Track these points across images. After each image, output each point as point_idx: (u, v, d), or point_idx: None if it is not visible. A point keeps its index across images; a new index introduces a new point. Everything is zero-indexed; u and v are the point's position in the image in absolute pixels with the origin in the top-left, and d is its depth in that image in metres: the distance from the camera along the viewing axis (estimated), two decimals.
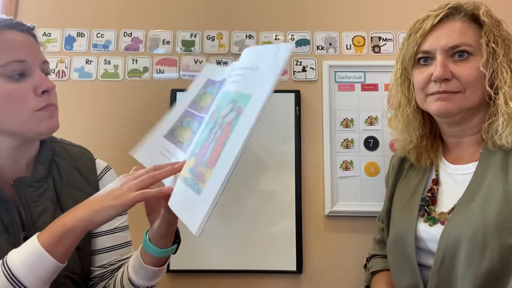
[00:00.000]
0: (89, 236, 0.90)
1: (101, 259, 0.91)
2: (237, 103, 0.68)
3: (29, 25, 0.82)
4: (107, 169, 0.98)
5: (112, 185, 0.73)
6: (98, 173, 0.95)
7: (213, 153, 0.66)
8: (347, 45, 1.50)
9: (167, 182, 0.77)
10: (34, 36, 0.83)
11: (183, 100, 0.92)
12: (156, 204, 0.80)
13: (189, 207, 0.65)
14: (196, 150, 0.72)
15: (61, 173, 0.88)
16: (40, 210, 0.81)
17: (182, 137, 0.86)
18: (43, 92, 0.79)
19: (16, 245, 0.76)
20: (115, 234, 0.93)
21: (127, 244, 0.96)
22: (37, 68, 0.80)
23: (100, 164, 0.97)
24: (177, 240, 0.84)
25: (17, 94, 0.76)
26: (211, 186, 0.62)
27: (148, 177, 0.71)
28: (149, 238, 0.81)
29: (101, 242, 0.92)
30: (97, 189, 0.92)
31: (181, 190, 0.70)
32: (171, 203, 0.71)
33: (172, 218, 0.77)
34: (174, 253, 0.84)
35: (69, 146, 0.95)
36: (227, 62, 1.49)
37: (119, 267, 0.92)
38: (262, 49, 0.73)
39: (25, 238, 0.79)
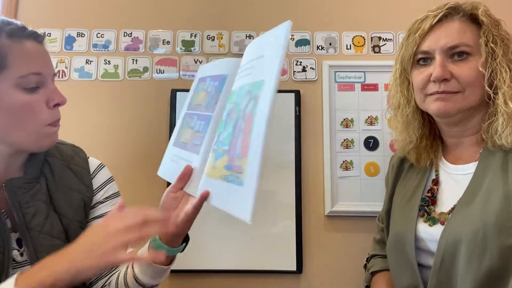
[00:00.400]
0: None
1: None
2: (252, 92, 0.70)
3: (42, 34, 0.83)
4: (100, 167, 0.97)
5: (98, 228, 0.68)
6: (91, 172, 0.94)
7: (243, 144, 0.68)
8: (347, 45, 1.50)
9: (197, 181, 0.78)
10: (46, 46, 0.84)
11: (183, 106, 0.95)
12: (178, 204, 0.80)
13: (238, 199, 0.66)
14: (225, 147, 0.72)
15: (54, 173, 0.88)
16: (33, 211, 0.81)
17: (184, 138, 0.87)
18: (55, 105, 0.80)
19: (4, 252, 0.75)
20: None
21: None
22: (50, 80, 0.81)
23: (93, 163, 0.96)
24: (186, 238, 0.84)
25: (31, 105, 0.77)
26: (250, 174, 0.64)
27: (138, 231, 0.66)
28: (159, 237, 0.80)
29: None
30: (90, 187, 0.92)
31: (222, 188, 0.70)
32: (216, 202, 0.71)
33: (194, 218, 0.78)
34: (181, 251, 0.84)
35: (62, 145, 0.94)
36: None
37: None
38: (262, 37, 0.75)
39: (18, 240, 0.79)
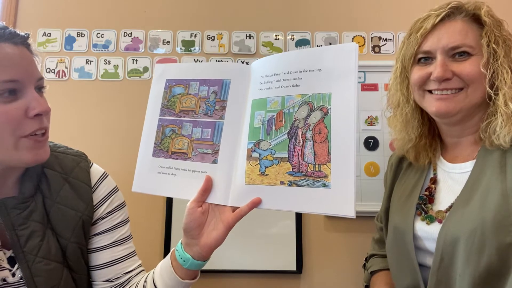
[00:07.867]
0: (87, 253, 0.86)
1: (105, 274, 0.87)
2: (315, 103, 0.73)
3: (23, 34, 0.75)
4: (102, 178, 0.90)
5: None
6: (92, 185, 0.87)
7: (319, 151, 0.71)
8: None
9: (220, 190, 0.79)
10: (29, 47, 0.76)
11: (150, 112, 0.90)
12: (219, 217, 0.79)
13: (326, 200, 0.69)
14: (282, 155, 0.74)
15: (51, 189, 0.81)
16: (28, 233, 0.75)
17: (175, 147, 0.84)
18: (36, 115, 0.72)
19: None
20: (117, 247, 0.89)
21: (130, 255, 0.91)
22: (31, 87, 0.73)
23: (95, 173, 0.89)
24: None
25: (5, 117, 0.69)
26: (342, 175, 0.68)
27: None
28: (185, 251, 0.79)
29: (102, 257, 0.87)
30: (90, 204, 0.85)
31: (291, 192, 0.72)
32: (276, 206, 0.74)
33: (233, 226, 0.78)
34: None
35: (62, 155, 0.86)
36: (227, 62, 1.49)
37: (128, 280, 0.89)
38: (309, 53, 0.77)
39: (10, 258, 0.75)
